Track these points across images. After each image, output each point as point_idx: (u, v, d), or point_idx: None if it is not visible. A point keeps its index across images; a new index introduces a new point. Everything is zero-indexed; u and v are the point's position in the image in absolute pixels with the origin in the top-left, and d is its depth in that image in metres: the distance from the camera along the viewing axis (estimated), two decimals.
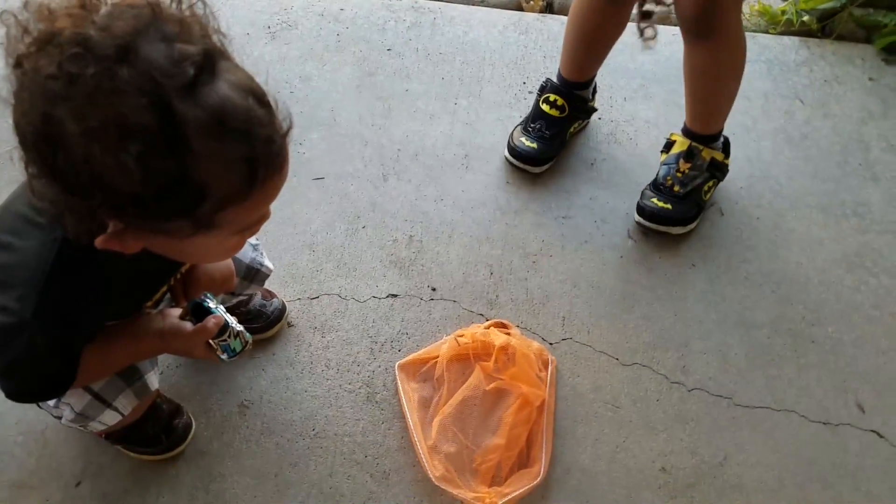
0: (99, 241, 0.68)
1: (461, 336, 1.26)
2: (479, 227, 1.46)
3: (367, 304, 1.34)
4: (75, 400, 0.93)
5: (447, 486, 1.12)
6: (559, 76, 1.55)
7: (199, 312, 0.97)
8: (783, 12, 1.94)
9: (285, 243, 1.39)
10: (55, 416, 0.97)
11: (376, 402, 1.22)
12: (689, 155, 1.45)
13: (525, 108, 1.66)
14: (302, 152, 1.53)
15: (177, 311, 0.95)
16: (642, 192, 1.48)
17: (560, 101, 1.54)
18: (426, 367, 1.25)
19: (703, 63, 1.33)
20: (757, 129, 1.68)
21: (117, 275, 0.79)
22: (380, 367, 1.26)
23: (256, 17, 1.78)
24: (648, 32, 1.29)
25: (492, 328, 1.28)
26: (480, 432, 1.19)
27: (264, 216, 0.76)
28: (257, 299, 1.25)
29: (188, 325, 0.94)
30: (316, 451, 1.17)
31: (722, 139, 1.49)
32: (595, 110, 1.61)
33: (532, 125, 1.55)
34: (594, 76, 1.57)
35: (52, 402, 0.95)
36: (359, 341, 1.29)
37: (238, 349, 1.00)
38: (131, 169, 0.59)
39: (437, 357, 1.25)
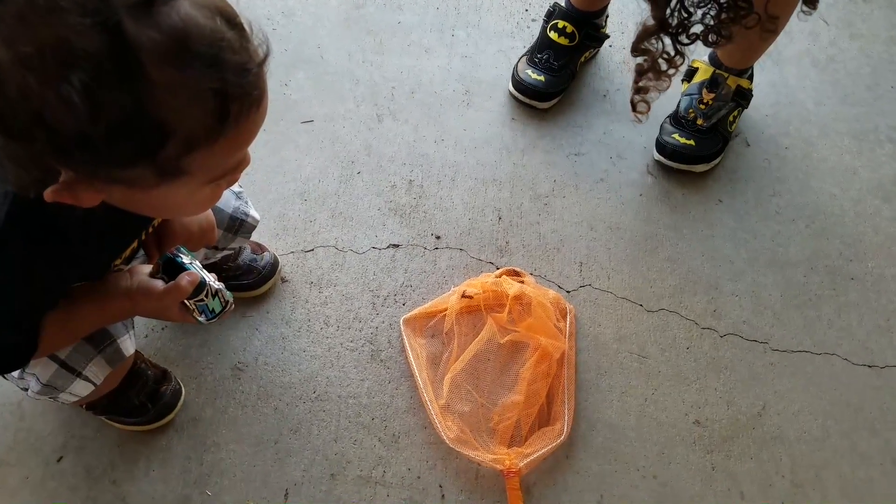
0: (47, 194, 0.58)
1: (471, 287, 1.16)
2: (484, 168, 1.34)
3: (367, 255, 1.23)
4: (40, 370, 0.83)
5: (462, 447, 1.03)
6: (568, 3, 1.41)
7: (171, 269, 0.85)
8: None
9: (274, 193, 1.27)
10: (21, 389, 0.87)
11: (381, 360, 1.13)
12: (713, 83, 1.32)
13: (528, 38, 1.52)
14: (288, 94, 1.40)
15: (147, 269, 0.84)
16: (661, 127, 1.36)
17: (570, 28, 1.40)
18: (433, 322, 1.15)
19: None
20: (779, 53, 1.55)
21: (80, 232, 0.68)
22: (383, 322, 1.16)
23: None
24: (641, 107, 1.11)
25: (503, 276, 1.18)
26: (496, 389, 1.09)
27: (242, 162, 0.64)
28: (246, 253, 1.14)
29: (159, 284, 0.83)
30: (318, 414, 1.07)
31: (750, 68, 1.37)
32: (607, 37, 1.47)
33: (539, 55, 1.42)
34: (607, 4, 1.43)
35: (15, 374, 0.85)
36: (359, 296, 1.18)
37: (217, 310, 0.88)
38: (75, 103, 0.49)
39: (445, 310, 1.15)
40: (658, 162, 1.35)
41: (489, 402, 1.08)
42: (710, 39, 0.99)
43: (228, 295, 0.90)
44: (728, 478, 1.06)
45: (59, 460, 1.02)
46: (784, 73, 1.53)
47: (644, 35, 0.99)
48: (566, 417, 1.06)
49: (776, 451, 1.08)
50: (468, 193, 1.31)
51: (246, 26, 0.57)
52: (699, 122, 1.32)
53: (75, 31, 0.48)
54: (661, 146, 1.33)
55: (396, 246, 1.24)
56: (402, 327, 1.14)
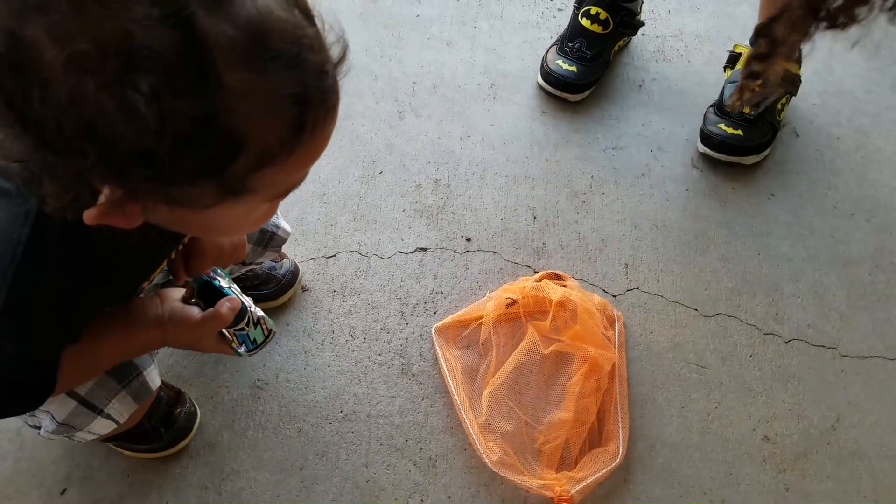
0: (90, 216, 0.48)
1: (509, 292, 1.06)
2: (514, 165, 1.25)
3: (393, 260, 1.13)
4: (56, 407, 0.73)
5: (507, 472, 0.93)
6: None
7: (207, 294, 0.75)
8: None
9: (292, 196, 1.13)
10: (31, 426, 0.78)
11: (413, 374, 1.03)
12: None
13: (555, 28, 1.44)
14: None
15: (178, 293, 0.75)
16: (705, 116, 1.27)
17: (603, 15, 1.31)
18: (468, 331, 1.06)
19: None
20: (823, 39, 1.45)
21: (109, 253, 0.59)
22: (413, 333, 1.06)
23: None
24: (747, 96, 0.93)
25: (544, 280, 1.08)
26: (541, 406, 0.99)
27: (300, 181, 0.55)
28: (266, 262, 1.05)
29: (195, 311, 0.73)
30: (346, 436, 0.97)
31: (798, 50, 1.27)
32: (643, 24, 1.38)
33: (570, 44, 1.33)
34: None
35: None
36: (386, 304, 1.09)
37: (259, 340, 0.78)
38: (141, 112, 0.40)
39: (481, 318, 1.05)
40: (703, 154, 1.25)
41: (533, 420, 0.98)
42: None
43: (271, 323, 0.80)
44: (804, 499, 0.96)
45: (62, 493, 0.92)
46: (829, 61, 1.44)
47: (784, 18, 0.86)
48: (621, 437, 0.95)
49: (855, 468, 0.98)
50: (499, 192, 1.22)
51: (318, 20, 0.48)
52: (746, 110, 1.22)
53: (142, 26, 0.39)
54: (706, 137, 1.23)
55: (424, 250, 1.15)
56: (433, 337, 1.05)
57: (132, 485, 0.93)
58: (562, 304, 1.03)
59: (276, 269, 1.05)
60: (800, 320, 1.09)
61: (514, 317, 1.05)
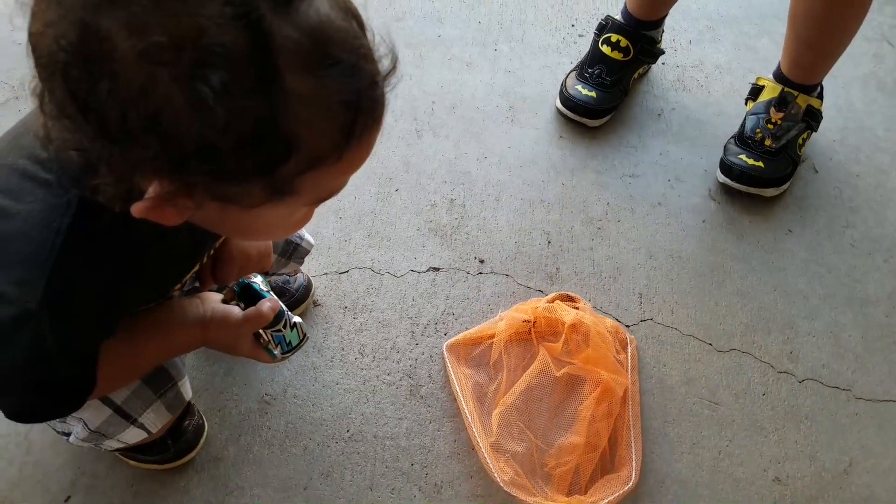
0: (139, 209, 0.49)
1: (520, 312, 1.05)
2: (530, 188, 1.25)
3: (405, 279, 1.13)
4: (90, 414, 0.73)
5: (519, 492, 0.91)
6: (625, 13, 1.33)
7: (247, 296, 0.77)
8: None
9: None
10: (60, 433, 0.77)
11: (421, 396, 1.02)
12: (781, 102, 1.23)
13: (575, 54, 1.44)
14: None
15: (217, 296, 0.76)
16: (726, 147, 1.26)
17: (624, 43, 1.31)
18: (479, 350, 1.05)
19: (829, 4, 1.10)
20: (843, 75, 1.46)
21: (147, 250, 0.60)
22: (423, 353, 1.06)
23: None
24: None
25: (557, 301, 1.07)
26: (552, 429, 0.98)
27: (342, 187, 0.57)
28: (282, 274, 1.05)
29: (237, 311, 0.74)
30: (352, 457, 0.97)
31: (820, 86, 1.27)
32: (662, 52, 1.38)
33: (589, 70, 1.33)
34: (666, 14, 1.34)
35: None
36: (397, 323, 1.08)
37: (294, 343, 0.80)
38: (209, 106, 0.42)
39: (492, 336, 1.04)
40: (723, 185, 1.24)
41: (544, 443, 0.97)
42: None
43: (305, 328, 0.83)
44: None
45: (66, 500, 0.91)
46: (850, 97, 1.43)
47: None
48: (634, 461, 0.94)
49: None
50: (514, 215, 1.21)
51: (370, 33, 0.50)
52: (767, 142, 1.22)
53: (215, 23, 0.40)
54: (726, 167, 1.23)
55: (437, 269, 1.14)
56: (445, 354, 1.04)
57: (136, 495, 0.92)
58: (574, 326, 1.02)
59: (289, 283, 1.05)
60: (815, 360, 1.08)
61: (526, 338, 1.05)
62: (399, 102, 1.34)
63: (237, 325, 0.74)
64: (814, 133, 1.29)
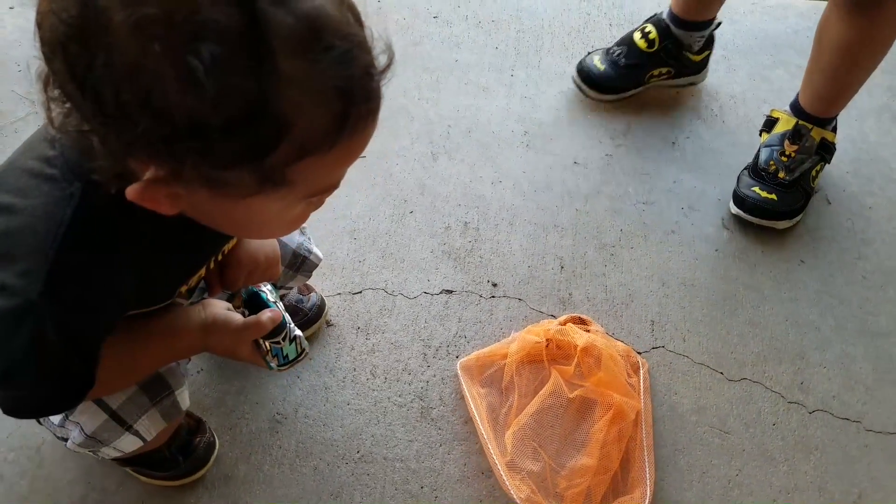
0: (133, 191, 0.49)
1: (532, 334, 1.06)
2: (544, 213, 1.26)
3: (418, 300, 1.14)
4: (87, 419, 0.74)
5: None
6: (668, 10, 1.37)
7: (254, 304, 0.79)
8: None
9: (323, 229, 1.19)
10: (59, 438, 0.78)
11: (432, 419, 1.02)
12: (795, 135, 1.23)
13: None
14: None
15: (220, 303, 0.77)
16: (739, 178, 1.27)
17: (653, 35, 1.36)
18: (491, 371, 1.05)
19: (857, 37, 1.12)
20: (857, 107, 1.46)
21: (151, 243, 0.60)
22: (434, 376, 1.06)
23: None
24: None
25: (569, 324, 1.08)
26: (564, 450, 0.99)
27: (336, 183, 0.57)
28: (293, 294, 1.06)
29: (238, 318, 0.75)
30: (361, 478, 0.97)
31: (835, 119, 1.28)
32: (693, 64, 1.40)
33: (612, 49, 1.41)
34: (710, 19, 1.36)
35: (57, 419, 0.76)
36: (409, 345, 1.09)
37: (291, 357, 0.81)
38: (199, 81, 0.42)
39: (505, 357, 1.05)
40: (736, 216, 1.25)
41: (557, 463, 0.97)
42: None
43: (306, 344, 0.83)
44: None
45: None
46: (864, 129, 1.44)
47: None
48: (648, 483, 0.94)
49: None
50: (527, 239, 1.22)
51: (367, 30, 0.51)
52: (781, 175, 1.23)
53: (210, 0, 0.41)
54: (739, 199, 1.24)
55: (450, 292, 1.15)
56: (459, 373, 1.04)
57: None
58: (586, 349, 1.03)
59: (303, 302, 1.06)
60: (825, 391, 1.08)
61: (537, 360, 1.05)
62: (416, 125, 1.36)
63: (236, 332, 0.75)
64: (827, 165, 1.30)
